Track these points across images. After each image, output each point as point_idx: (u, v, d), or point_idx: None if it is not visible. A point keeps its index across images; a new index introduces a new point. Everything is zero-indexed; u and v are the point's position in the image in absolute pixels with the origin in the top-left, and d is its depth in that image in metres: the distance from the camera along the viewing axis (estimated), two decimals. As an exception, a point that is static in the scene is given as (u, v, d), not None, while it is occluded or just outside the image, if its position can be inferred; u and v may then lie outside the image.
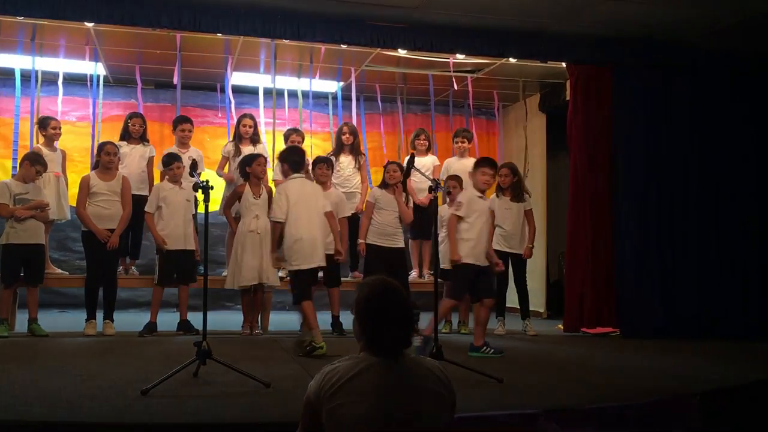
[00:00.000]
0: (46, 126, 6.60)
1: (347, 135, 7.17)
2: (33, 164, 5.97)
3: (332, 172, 6.66)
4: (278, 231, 5.40)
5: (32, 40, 7.11)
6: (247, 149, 6.84)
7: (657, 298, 7.01)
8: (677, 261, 7.15)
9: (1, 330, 5.80)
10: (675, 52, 7.23)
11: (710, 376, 4.67)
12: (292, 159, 5.59)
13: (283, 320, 7.07)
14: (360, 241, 6.54)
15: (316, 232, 5.44)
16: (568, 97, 7.46)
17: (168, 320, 6.41)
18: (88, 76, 7.94)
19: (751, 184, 7.41)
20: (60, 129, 6.70)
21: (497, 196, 6.86)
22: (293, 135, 7.12)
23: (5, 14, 6.13)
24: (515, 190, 6.84)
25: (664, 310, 6.99)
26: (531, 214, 6.87)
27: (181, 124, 6.93)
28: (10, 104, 7.56)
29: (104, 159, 6.15)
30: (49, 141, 6.63)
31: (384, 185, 6.66)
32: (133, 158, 6.79)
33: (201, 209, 4.47)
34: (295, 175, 5.52)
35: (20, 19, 6.25)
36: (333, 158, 6.96)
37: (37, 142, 6.77)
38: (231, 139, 7.16)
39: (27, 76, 7.53)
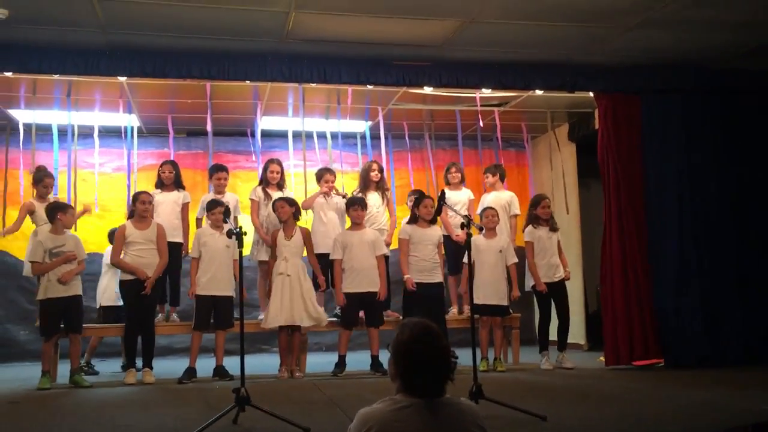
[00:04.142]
0: (39, 183, 6.75)
1: (376, 172, 7.20)
2: (65, 212, 6.11)
3: (366, 212, 6.68)
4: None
5: (68, 96, 7.32)
6: (275, 194, 6.88)
7: (699, 326, 6.82)
8: (717, 287, 6.96)
9: (44, 382, 5.87)
10: (702, 75, 7.17)
11: (762, 406, 4.52)
12: None
13: (321, 362, 7.03)
14: (407, 276, 6.51)
15: None
16: (597, 126, 7.42)
17: (207, 365, 6.42)
18: (123, 128, 8.13)
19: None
20: (53, 184, 6.89)
21: (534, 227, 6.88)
22: (326, 174, 7.16)
23: (42, 73, 6.33)
24: (552, 219, 6.95)
25: (708, 339, 6.81)
26: (560, 242, 7.03)
27: (218, 172, 7.03)
28: (48, 158, 7.75)
29: (139, 208, 6.26)
30: (43, 194, 6.76)
31: (414, 220, 6.65)
32: (166, 205, 6.86)
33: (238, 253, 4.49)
34: None
35: (56, 76, 6.45)
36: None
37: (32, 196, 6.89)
38: (258, 183, 7.21)
39: (64, 131, 7.74)
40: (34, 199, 6.78)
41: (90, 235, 7.68)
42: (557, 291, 6.83)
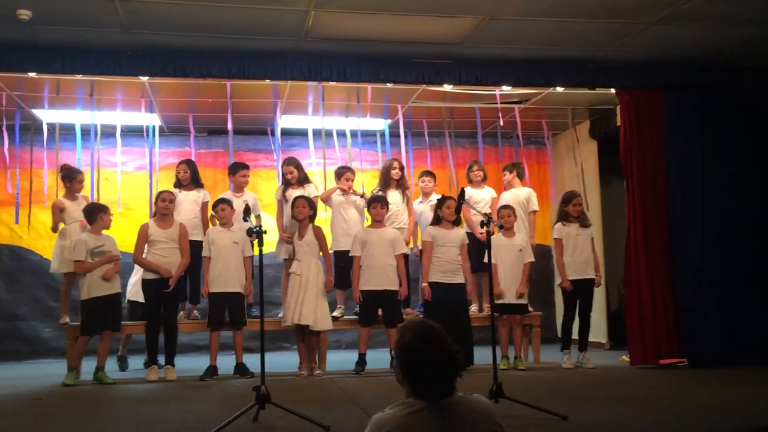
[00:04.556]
0: (73, 179, 6.78)
1: (397, 170, 7.19)
2: (106, 212, 6.19)
3: (387, 210, 6.67)
4: None
5: (91, 95, 7.40)
6: (296, 192, 6.89)
7: (721, 325, 6.74)
8: (740, 286, 6.88)
9: (70, 378, 5.94)
10: (726, 71, 7.08)
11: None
12: None
13: (341, 360, 7.04)
14: (424, 284, 6.47)
15: None
16: (619, 123, 7.35)
17: (229, 362, 6.46)
18: (145, 127, 8.20)
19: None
20: (83, 181, 6.95)
21: (564, 224, 6.80)
22: (347, 173, 7.15)
23: (65, 73, 6.41)
24: (583, 216, 6.86)
25: (729, 338, 6.72)
26: (593, 241, 6.87)
27: (242, 170, 7.08)
28: (71, 158, 7.83)
29: (160, 206, 6.31)
30: (75, 190, 6.80)
31: (437, 221, 6.62)
32: (186, 204, 6.89)
33: (257, 251, 4.51)
34: None
35: (79, 76, 6.52)
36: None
37: (57, 195, 6.93)
38: (280, 183, 7.24)
39: (87, 131, 7.83)
40: (62, 197, 6.84)
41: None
42: (584, 290, 6.71)
